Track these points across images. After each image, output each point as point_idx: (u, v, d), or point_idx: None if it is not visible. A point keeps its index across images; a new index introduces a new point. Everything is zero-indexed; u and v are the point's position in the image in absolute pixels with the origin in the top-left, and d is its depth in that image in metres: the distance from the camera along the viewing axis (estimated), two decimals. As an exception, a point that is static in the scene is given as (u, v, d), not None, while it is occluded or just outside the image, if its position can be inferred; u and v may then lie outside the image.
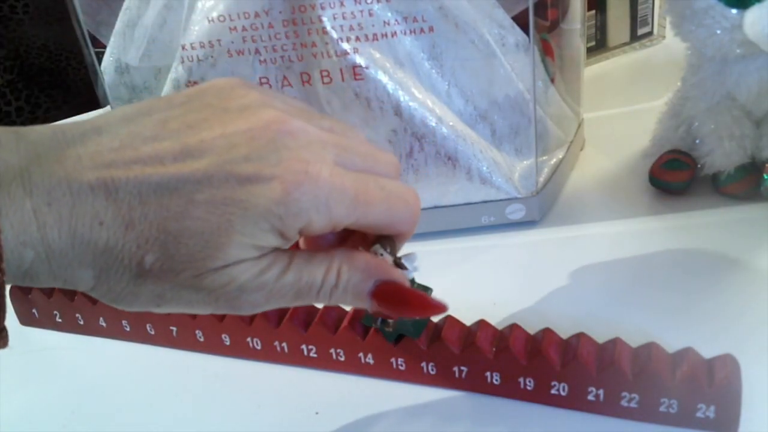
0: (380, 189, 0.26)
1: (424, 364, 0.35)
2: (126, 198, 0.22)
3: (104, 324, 0.43)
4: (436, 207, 0.48)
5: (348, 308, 0.37)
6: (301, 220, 0.23)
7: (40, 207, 0.21)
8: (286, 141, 0.24)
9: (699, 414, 0.30)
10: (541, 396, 0.33)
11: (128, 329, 0.42)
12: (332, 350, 0.37)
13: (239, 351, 0.39)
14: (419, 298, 0.27)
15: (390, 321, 0.33)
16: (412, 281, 0.33)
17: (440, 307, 0.27)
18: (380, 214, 0.26)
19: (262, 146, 0.23)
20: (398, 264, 0.28)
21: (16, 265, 0.21)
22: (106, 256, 0.22)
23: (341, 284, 0.26)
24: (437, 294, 0.29)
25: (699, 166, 0.49)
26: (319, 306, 0.38)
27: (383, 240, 0.28)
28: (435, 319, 0.35)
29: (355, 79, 0.44)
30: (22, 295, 0.44)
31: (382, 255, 0.27)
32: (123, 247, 0.22)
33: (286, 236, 0.24)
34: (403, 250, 0.29)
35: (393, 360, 0.36)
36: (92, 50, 0.49)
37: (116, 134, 0.23)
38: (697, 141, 0.49)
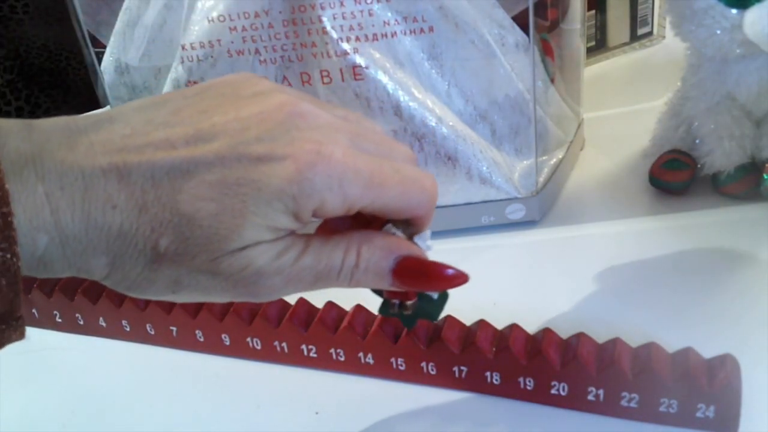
0: (395, 172, 0.25)
1: (424, 364, 0.35)
2: (139, 181, 0.22)
3: (104, 324, 0.43)
4: (436, 207, 0.48)
5: (348, 308, 0.37)
6: (315, 200, 0.23)
7: (52, 191, 0.21)
8: (297, 122, 0.24)
9: (699, 414, 0.30)
10: (541, 396, 0.33)
11: (128, 329, 0.42)
12: (332, 350, 0.37)
13: (239, 351, 0.39)
14: (441, 269, 0.27)
15: (408, 304, 0.33)
16: None
17: (462, 277, 0.27)
18: (395, 197, 0.25)
19: (273, 127, 0.23)
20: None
21: (30, 251, 0.21)
22: (120, 241, 0.22)
23: (362, 264, 0.25)
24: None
25: (699, 166, 0.49)
26: (319, 306, 0.38)
27: (396, 220, 0.28)
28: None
29: (355, 79, 0.44)
30: (22, 295, 0.44)
31: (394, 234, 0.27)
32: (137, 231, 0.22)
33: (300, 218, 0.24)
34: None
35: (393, 360, 0.36)
36: (92, 50, 0.49)
37: (128, 122, 0.23)
38: (697, 141, 0.49)
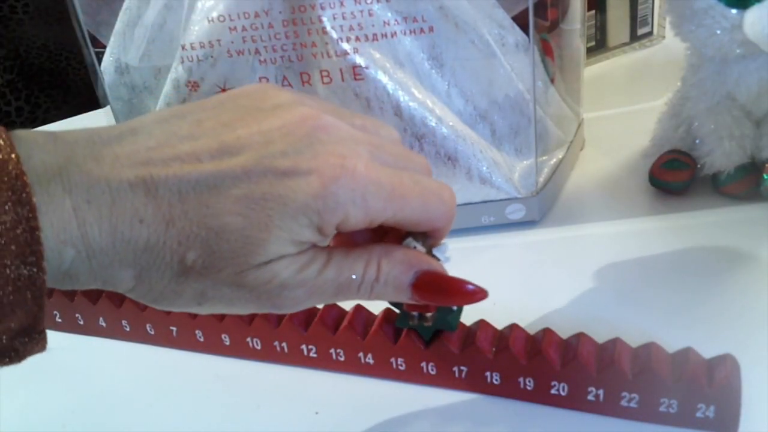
0: (415, 183, 0.26)
1: (424, 364, 0.35)
2: (166, 195, 0.22)
3: (104, 324, 0.43)
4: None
5: (348, 308, 0.37)
6: (339, 214, 0.23)
7: (79, 205, 0.21)
8: (320, 136, 0.24)
9: (699, 414, 0.30)
10: (540, 396, 0.33)
11: (128, 329, 0.42)
12: (332, 350, 0.37)
13: (239, 351, 0.39)
14: (460, 285, 0.27)
15: (428, 315, 0.33)
16: None
17: (481, 293, 0.27)
18: (416, 209, 0.26)
19: (297, 141, 0.24)
20: (431, 256, 0.28)
21: (56, 264, 0.21)
22: (147, 255, 0.22)
23: (382, 277, 0.26)
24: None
25: (699, 166, 0.49)
26: (319, 306, 0.38)
27: (415, 233, 0.28)
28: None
29: (355, 79, 0.44)
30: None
31: (415, 248, 0.27)
32: (164, 245, 0.22)
33: (323, 231, 0.24)
34: None
35: (393, 360, 0.36)
36: (92, 50, 0.49)
37: (151, 134, 0.23)
38: (697, 141, 0.49)
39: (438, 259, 0.28)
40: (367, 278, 0.26)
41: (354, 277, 0.25)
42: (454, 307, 0.33)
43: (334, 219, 0.23)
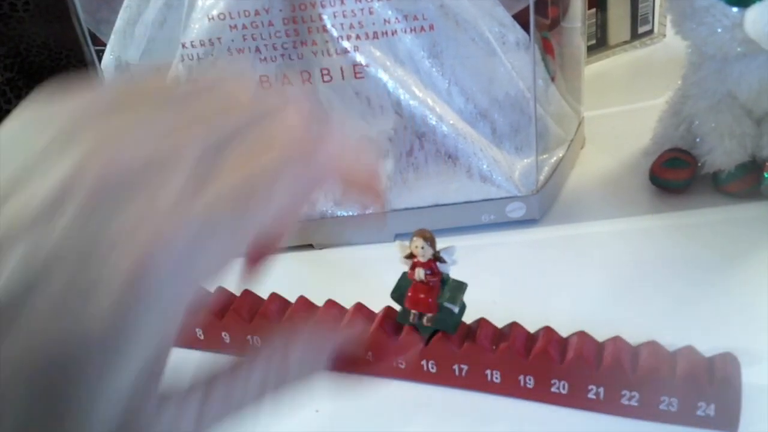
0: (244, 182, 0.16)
1: (424, 362, 0.35)
2: None
3: (104, 322, 0.43)
4: (436, 205, 0.48)
5: (348, 307, 0.37)
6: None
7: None
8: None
9: (699, 412, 0.30)
10: (541, 394, 0.33)
11: (128, 327, 0.42)
12: (332, 348, 0.37)
13: (239, 349, 0.39)
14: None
15: (428, 316, 0.34)
16: (447, 277, 0.33)
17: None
18: (279, 197, 0.17)
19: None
20: (437, 257, 0.28)
21: None
22: None
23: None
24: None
25: (699, 164, 0.49)
26: (319, 305, 0.38)
27: (423, 232, 0.28)
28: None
29: (356, 77, 0.44)
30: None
31: (423, 248, 0.27)
32: None
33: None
34: (441, 243, 0.29)
35: (393, 359, 0.36)
36: (92, 48, 0.49)
37: None
38: (698, 139, 0.49)
39: (444, 261, 0.28)
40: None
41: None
42: (456, 310, 0.33)
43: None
